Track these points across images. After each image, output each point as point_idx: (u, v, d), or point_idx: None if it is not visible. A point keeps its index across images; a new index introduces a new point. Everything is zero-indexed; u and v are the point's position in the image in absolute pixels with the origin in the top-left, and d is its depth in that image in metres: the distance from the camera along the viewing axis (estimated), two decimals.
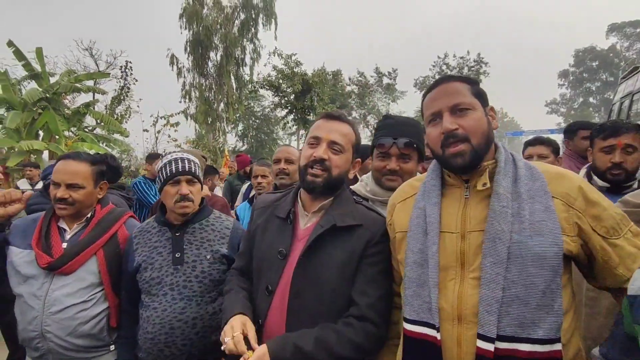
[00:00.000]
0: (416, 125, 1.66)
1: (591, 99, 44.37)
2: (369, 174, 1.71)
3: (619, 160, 1.71)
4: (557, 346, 0.93)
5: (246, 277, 1.42)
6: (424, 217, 1.10)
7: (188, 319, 1.51)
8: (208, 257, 1.60)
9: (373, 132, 1.64)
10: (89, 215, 1.69)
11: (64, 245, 1.61)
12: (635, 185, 1.66)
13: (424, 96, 1.17)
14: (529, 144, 2.61)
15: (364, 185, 1.68)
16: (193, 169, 1.63)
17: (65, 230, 1.66)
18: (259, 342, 1.13)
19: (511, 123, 65.61)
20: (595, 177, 1.83)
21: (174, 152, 1.72)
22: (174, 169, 1.60)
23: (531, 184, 1.03)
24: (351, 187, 1.61)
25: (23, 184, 6.14)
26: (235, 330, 1.12)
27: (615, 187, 1.78)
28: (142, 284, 1.60)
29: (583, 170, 1.99)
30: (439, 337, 1.00)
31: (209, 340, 1.55)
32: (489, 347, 0.93)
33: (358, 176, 1.61)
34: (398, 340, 1.17)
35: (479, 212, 1.05)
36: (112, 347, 1.65)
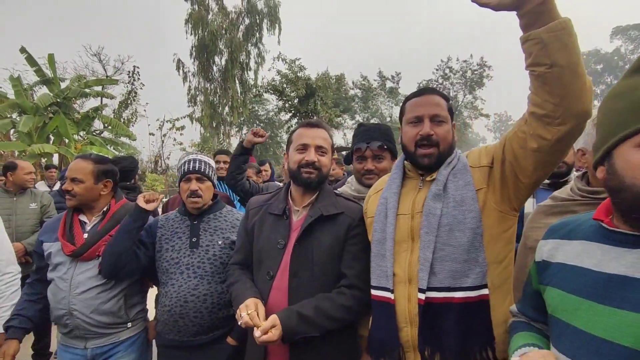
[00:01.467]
0: (387, 129, 1.89)
1: (596, 102, 44.15)
2: (353, 176, 1.95)
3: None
4: (485, 291, 1.15)
5: (246, 270, 1.60)
6: (386, 203, 1.35)
7: (200, 294, 1.73)
8: (220, 242, 1.82)
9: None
10: (105, 209, 1.93)
11: (85, 235, 1.84)
12: (571, 180, 1.77)
13: (408, 99, 1.38)
14: None
15: (350, 186, 1.91)
16: (203, 169, 1.85)
17: (85, 222, 1.90)
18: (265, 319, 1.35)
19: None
20: None
21: (191, 153, 1.96)
22: (186, 169, 1.85)
23: (458, 166, 1.27)
24: (338, 189, 1.84)
25: (41, 185, 6.37)
26: (250, 308, 1.30)
27: (555, 183, 2.00)
28: (162, 263, 1.82)
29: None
30: (392, 298, 1.23)
31: (217, 316, 1.76)
32: (423, 296, 1.16)
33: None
34: None
35: (424, 196, 1.28)
36: (129, 325, 1.89)
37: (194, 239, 1.82)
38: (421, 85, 35.14)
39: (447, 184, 1.25)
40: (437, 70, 34.40)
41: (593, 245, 0.85)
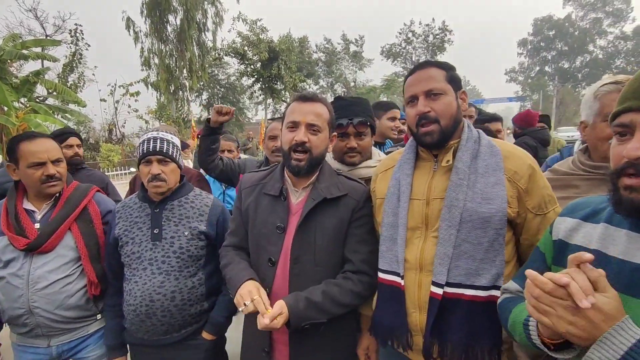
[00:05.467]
0: (367, 103, 1.80)
1: (547, 68, 46.22)
2: (329, 154, 1.83)
3: None
4: (495, 292, 1.11)
5: (241, 251, 1.51)
6: (398, 186, 1.29)
7: (167, 292, 1.57)
8: (186, 233, 1.63)
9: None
10: (57, 194, 1.71)
11: (37, 225, 1.63)
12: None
13: (405, 79, 1.31)
14: (485, 121, 2.88)
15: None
16: (165, 149, 1.62)
17: (33, 211, 1.67)
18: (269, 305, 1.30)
19: (473, 91, 67.40)
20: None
21: (152, 130, 1.75)
22: (145, 149, 1.62)
23: (489, 160, 1.19)
24: None
25: None
26: (253, 294, 1.23)
27: None
28: (124, 258, 1.65)
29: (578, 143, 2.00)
30: (402, 283, 1.21)
31: (187, 313, 1.62)
32: (439, 291, 1.14)
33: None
34: None
35: (442, 183, 1.22)
36: (99, 317, 1.74)
37: (155, 231, 1.63)
38: (384, 49, 34.97)
39: (476, 177, 1.18)
40: (400, 34, 34.29)
41: (619, 231, 0.79)
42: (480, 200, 1.14)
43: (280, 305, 1.22)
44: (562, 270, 0.74)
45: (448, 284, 1.14)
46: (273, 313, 1.18)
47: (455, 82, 1.24)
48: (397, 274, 1.23)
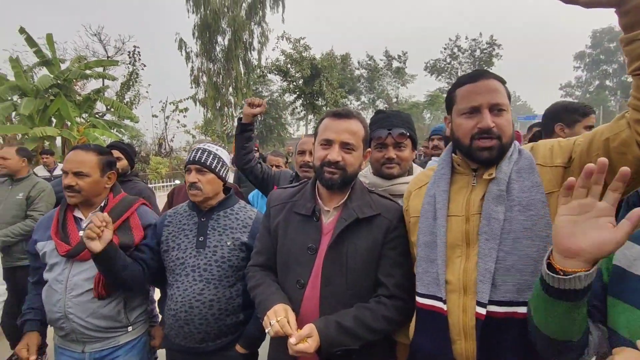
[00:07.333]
0: (408, 116, 1.77)
1: (608, 82, 43.19)
2: (368, 167, 1.78)
3: None
4: None
5: (269, 272, 1.46)
6: (434, 203, 1.21)
7: (206, 300, 1.60)
8: (229, 243, 1.67)
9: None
10: (102, 204, 1.76)
11: (81, 233, 1.68)
12: None
13: (459, 85, 1.21)
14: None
15: (364, 178, 1.74)
16: (204, 159, 1.69)
17: (81, 219, 1.75)
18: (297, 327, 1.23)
19: (523, 107, 64.34)
20: None
21: (200, 142, 1.83)
22: (188, 159, 1.72)
23: (522, 162, 1.13)
24: None
25: (40, 170, 6.27)
26: (279, 315, 1.19)
27: None
28: (168, 263, 1.69)
29: None
30: (445, 308, 1.11)
31: (224, 323, 1.64)
32: (483, 311, 1.04)
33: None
34: None
35: (480, 196, 1.15)
36: (130, 329, 1.76)
37: (200, 238, 1.68)
38: (428, 65, 34.38)
39: (510, 183, 1.10)
40: (445, 49, 33.62)
41: None
42: (519, 207, 1.07)
43: (310, 327, 1.17)
44: (617, 302, 0.76)
45: (497, 303, 1.05)
46: (301, 334, 1.14)
47: (510, 98, 1.18)
48: (439, 298, 1.14)
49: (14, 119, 12.35)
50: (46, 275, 1.70)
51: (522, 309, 1.03)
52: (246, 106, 2.19)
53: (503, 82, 1.18)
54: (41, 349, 1.65)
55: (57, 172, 6.12)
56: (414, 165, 1.80)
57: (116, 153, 2.95)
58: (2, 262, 1.89)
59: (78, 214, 1.76)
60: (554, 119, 2.20)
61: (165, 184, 15.58)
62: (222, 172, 1.74)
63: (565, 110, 2.19)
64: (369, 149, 1.46)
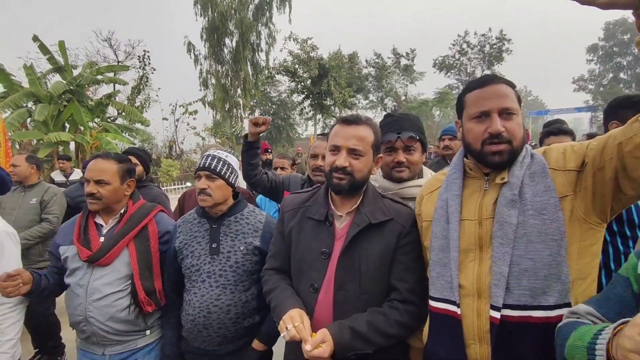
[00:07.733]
0: (417, 119, 1.77)
1: (622, 75, 42.16)
2: (378, 171, 1.78)
3: None
4: (563, 310, 1.02)
5: (284, 275, 1.50)
6: (447, 207, 1.22)
7: (223, 305, 1.65)
8: (242, 248, 1.71)
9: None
10: (122, 211, 1.83)
11: (102, 239, 1.76)
12: None
13: (468, 90, 1.23)
14: (551, 133, 2.56)
15: (374, 181, 1.74)
16: (213, 166, 1.72)
17: (102, 225, 1.81)
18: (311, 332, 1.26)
19: (535, 102, 63.35)
20: None
21: (211, 148, 1.86)
22: (199, 165, 1.76)
23: (534, 166, 1.14)
24: None
25: (57, 175, 6.42)
26: (295, 320, 1.21)
27: None
28: (184, 270, 1.74)
29: None
30: (458, 312, 1.12)
31: (241, 326, 1.69)
32: (497, 315, 1.05)
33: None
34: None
35: (492, 200, 1.16)
36: (148, 332, 1.82)
37: (214, 245, 1.72)
38: (437, 61, 34.05)
39: (522, 187, 1.11)
40: (453, 45, 33.25)
41: None
42: (532, 211, 1.08)
43: (323, 333, 1.19)
44: None
45: (512, 307, 1.05)
46: (315, 340, 1.16)
47: (520, 101, 1.19)
48: (452, 302, 1.15)
49: (29, 125, 12.61)
50: (68, 280, 1.76)
51: (537, 313, 1.03)
52: (250, 125, 2.23)
53: (512, 86, 1.19)
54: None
55: (73, 177, 6.26)
56: (424, 168, 1.81)
57: (132, 159, 3.03)
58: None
59: (99, 220, 1.82)
60: (609, 116, 2.04)
61: (176, 186, 15.74)
62: (231, 178, 1.78)
63: (620, 105, 2.01)
64: (380, 155, 1.46)
